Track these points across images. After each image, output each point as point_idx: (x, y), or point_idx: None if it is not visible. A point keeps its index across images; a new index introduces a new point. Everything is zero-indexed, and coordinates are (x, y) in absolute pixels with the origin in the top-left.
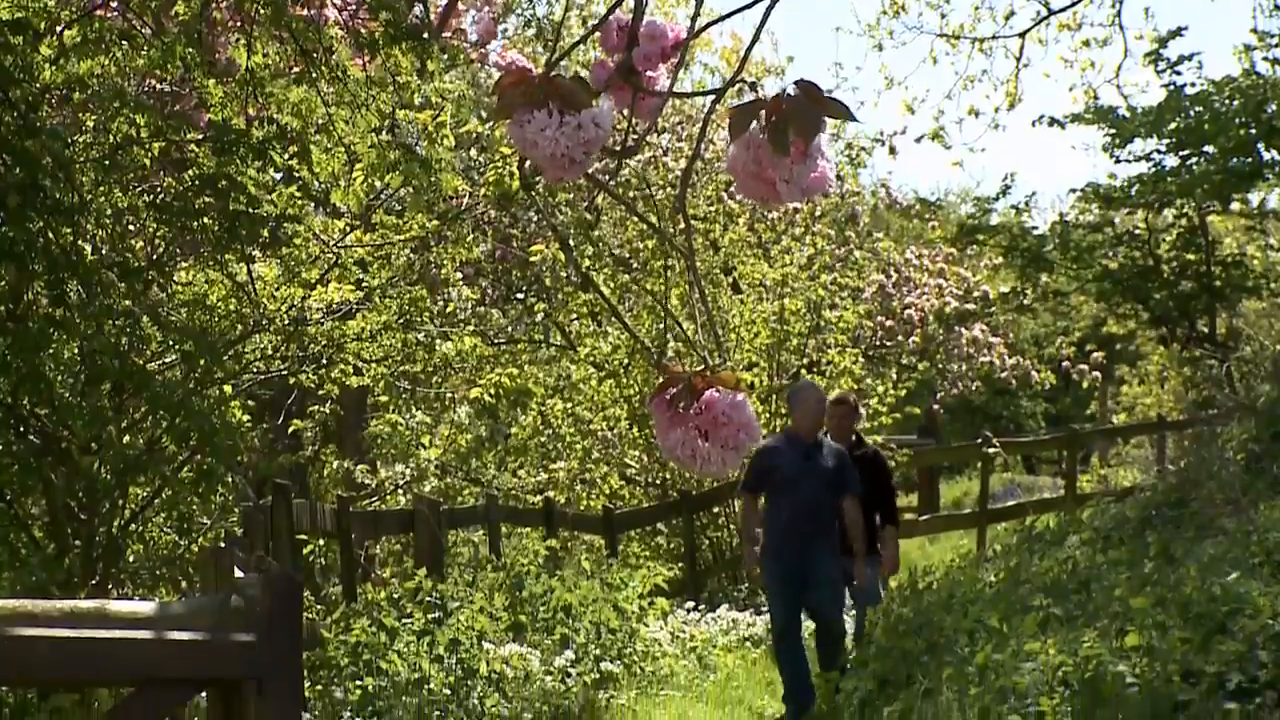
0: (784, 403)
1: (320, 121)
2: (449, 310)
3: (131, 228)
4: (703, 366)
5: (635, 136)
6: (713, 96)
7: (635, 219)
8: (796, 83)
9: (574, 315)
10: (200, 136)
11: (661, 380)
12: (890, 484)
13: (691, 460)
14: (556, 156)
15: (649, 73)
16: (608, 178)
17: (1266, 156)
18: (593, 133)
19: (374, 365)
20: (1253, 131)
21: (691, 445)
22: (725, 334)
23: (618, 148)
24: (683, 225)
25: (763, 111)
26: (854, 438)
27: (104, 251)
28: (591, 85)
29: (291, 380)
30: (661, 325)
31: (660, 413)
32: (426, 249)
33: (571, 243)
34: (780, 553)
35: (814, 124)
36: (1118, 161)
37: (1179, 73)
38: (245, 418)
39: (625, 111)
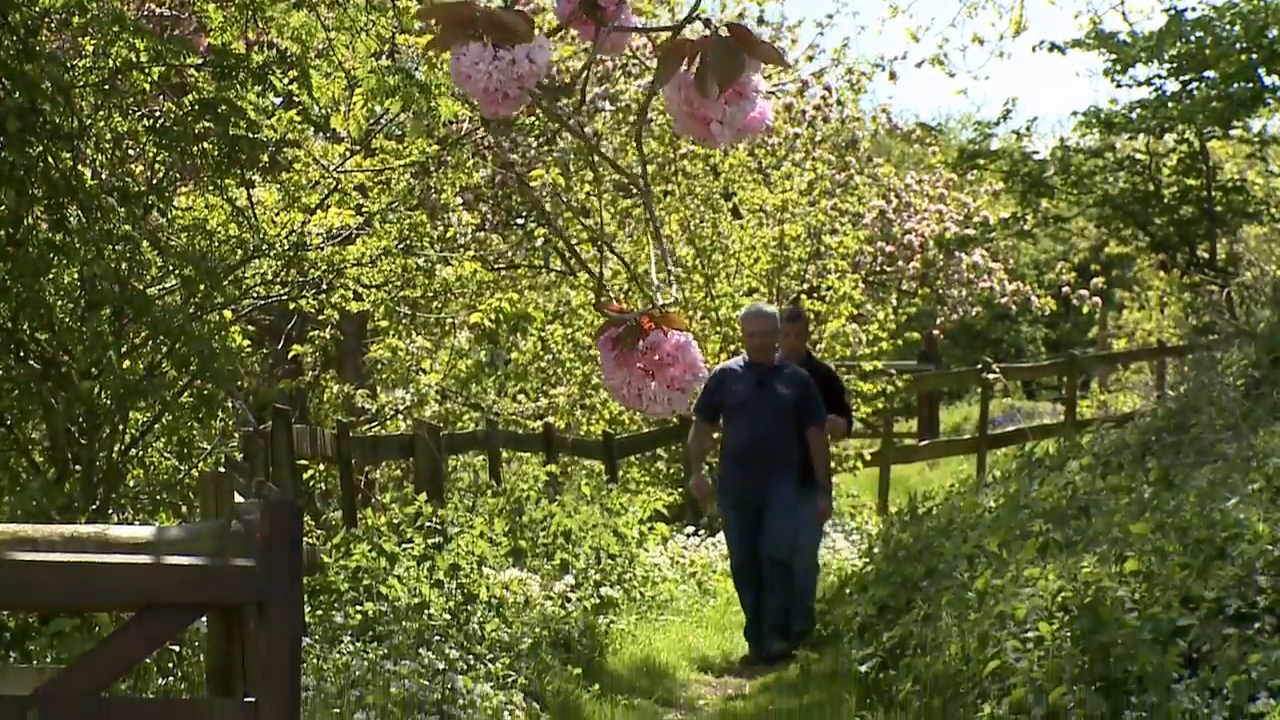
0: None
1: (320, 46)
2: (449, 235)
3: (131, 153)
4: (652, 305)
5: (599, 70)
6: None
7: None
8: (729, 24)
9: (575, 240)
10: (200, 61)
11: (606, 319)
12: (845, 400)
13: (637, 400)
14: (490, 91)
15: (611, 7)
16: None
17: (1268, 82)
18: (526, 68)
19: (374, 290)
20: (1254, 57)
21: (637, 385)
22: (725, 259)
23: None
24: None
25: (690, 53)
26: (805, 356)
27: (104, 176)
28: (557, 18)
29: (291, 305)
30: (659, 253)
31: (606, 352)
32: (426, 174)
33: (571, 168)
34: (733, 481)
35: (734, 68)
36: (1119, 86)
37: None
38: (245, 343)
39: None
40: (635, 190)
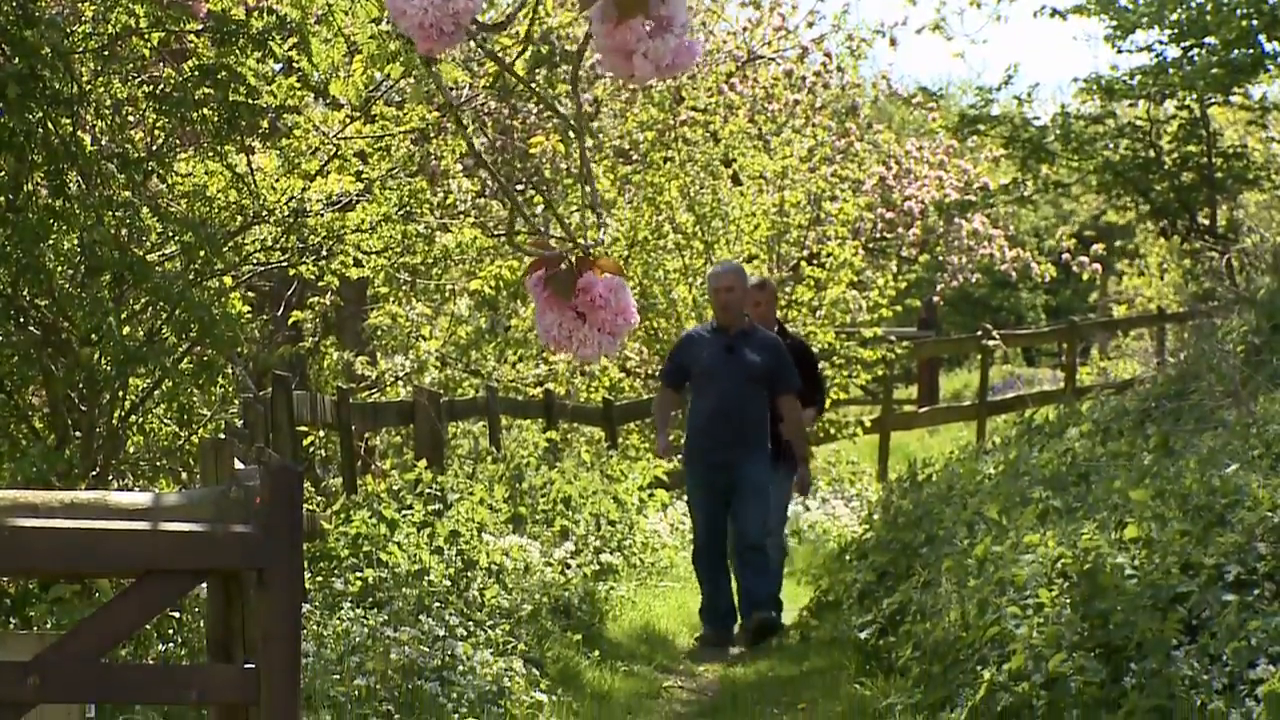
0: (782, 295)
1: (320, 12)
2: (449, 202)
3: (131, 118)
4: (577, 246)
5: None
6: None
7: (641, 109)
8: None
9: (574, 207)
10: (200, 27)
11: (538, 259)
12: (817, 374)
13: (567, 342)
14: (425, 26)
15: None
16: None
17: (1268, 48)
18: (463, 4)
19: (374, 257)
20: (1254, 23)
21: (569, 328)
22: (725, 226)
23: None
24: (694, 113)
25: None
26: (775, 327)
27: (104, 142)
28: None
29: (291, 272)
30: (660, 216)
31: (537, 293)
32: (426, 140)
33: (571, 134)
34: (699, 454)
35: (636, 5)
36: (1119, 52)
37: None
38: (245, 309)
39: None
40: (572, 127)
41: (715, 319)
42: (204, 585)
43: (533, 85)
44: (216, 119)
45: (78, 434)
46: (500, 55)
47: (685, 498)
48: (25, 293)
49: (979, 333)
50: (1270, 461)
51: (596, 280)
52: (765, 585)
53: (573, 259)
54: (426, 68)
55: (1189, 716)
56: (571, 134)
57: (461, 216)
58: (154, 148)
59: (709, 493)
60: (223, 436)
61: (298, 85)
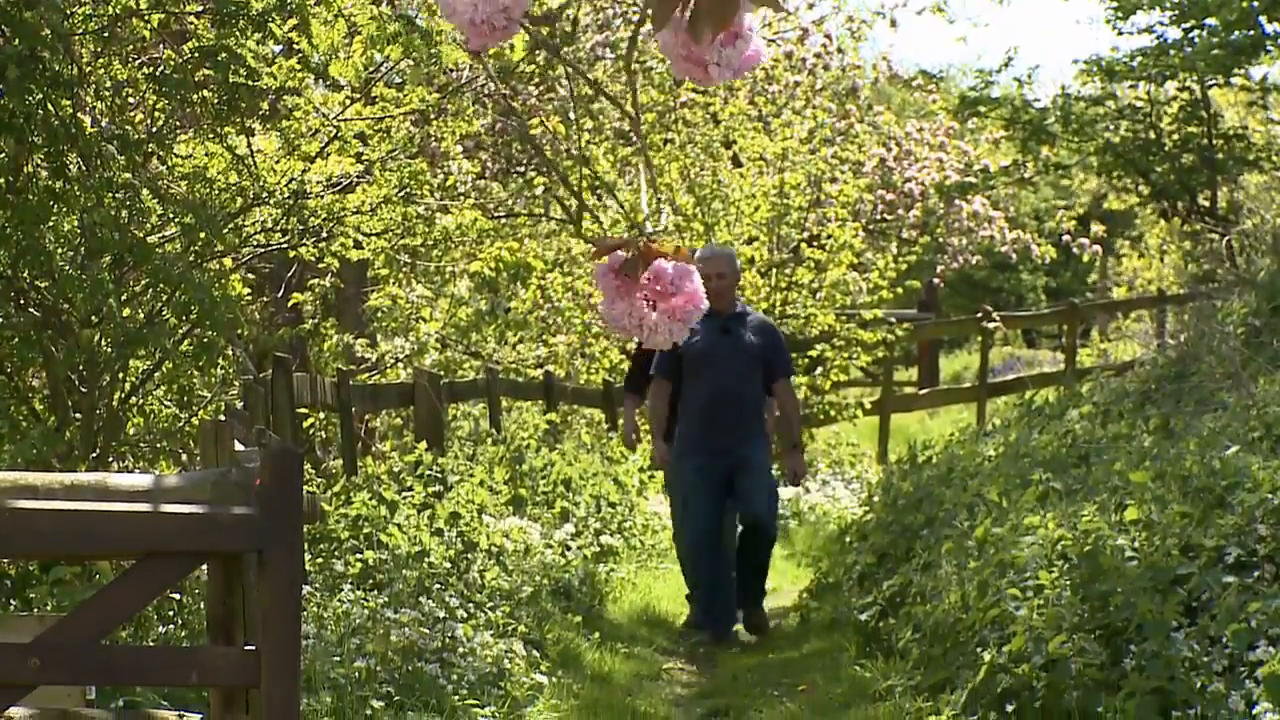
0: (782, 277)
1: None
2: (449, 184)
3: (131, 100)
4: (641, 234)
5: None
6: None
7: (642, 90)
8: None
9: (576, 188)
10: (200, 8)
11: (605, 248)
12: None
13: (638, 330)
14: (477, 23)
15: None
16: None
17: (1269, 29)
18: None
19: (374, 239)
20: (1255, 4)
21: (638, 315)
22: (725, 208)
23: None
24: (694, 95)
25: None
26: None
27: (104, 124)
28: None
29: (292, 254)
30: (660, 198)
31: (606, 282)
32: (426, 122)
33: (572, 116)
34: (698, 441)
35: (728, 12)
36: (1120, 34)
37: None
38: (245, 291)
39: None
40: (630, 129)
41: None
42: (204, 567)
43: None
44: (216, 101)
45: (78, 416)
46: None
47: (667, 488)
48: (25, 274)
49: (979, 315)
50: (1270, 443)
51: (667, 266)
52: (761, 584)
53: (639, 246)
54: (425, 49)
55: (1189, 698)
56: (629, 121)
57: (462, 198)
58: (154, 129)
59: (709, 481)
60: (223, 418)
61: (298, 67)
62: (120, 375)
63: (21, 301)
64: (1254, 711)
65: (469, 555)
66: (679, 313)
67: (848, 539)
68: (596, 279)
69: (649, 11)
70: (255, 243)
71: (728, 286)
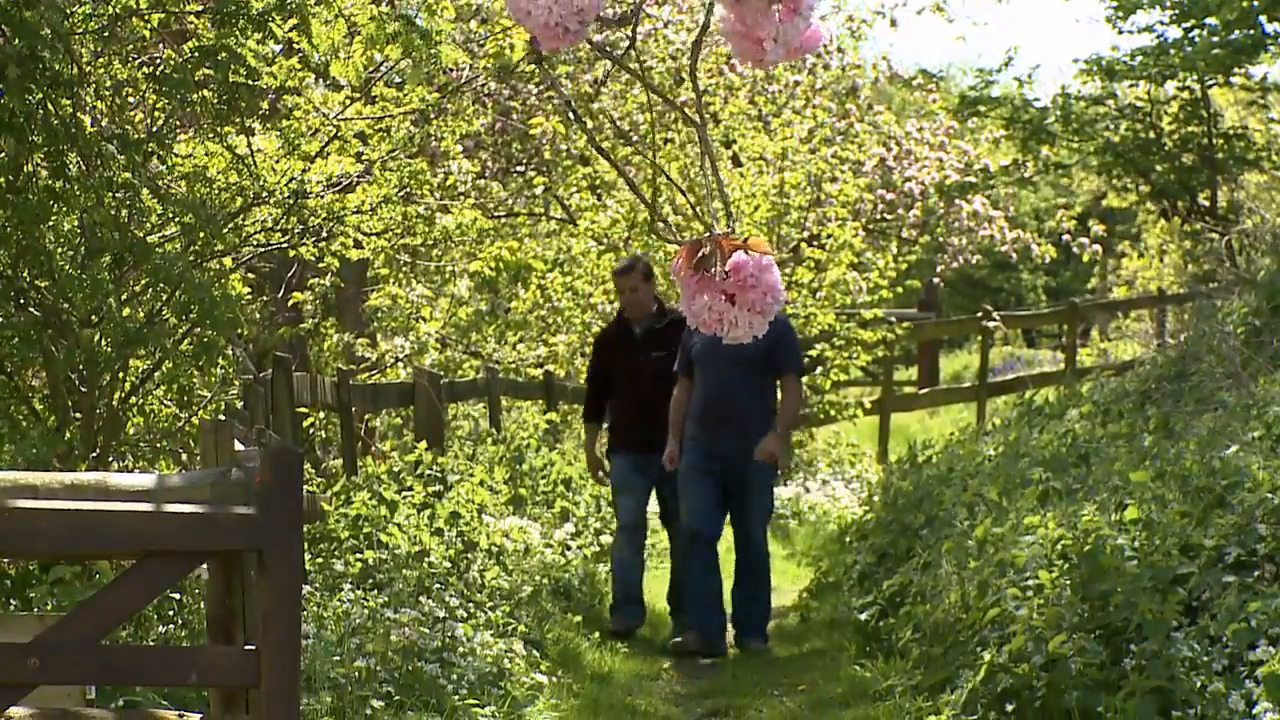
0: (782, 277)
1: None
2: (449, 183)
3: (131, 100)
4: (708, 234)
5: (632, 4)
6: None
7: (640, 90)
8: None
9: (574, 189)
10: (200, 8)
11: (687, 245)
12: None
13: (719, 325)
14: (550, 25)
15: None
16: (613, 49)
17: (1269, 29)
18: (586, 1)
19: (374, 238)
20: (1255, 3)
21: (719, 310)
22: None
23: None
24: (693, 95)
25: None
26: (655, 307)
27: (104, 124)
28: None
29: (292, 253)
30: (661, 197)
31: (686, 278)
32: (426, 122)
33: (570, 116)
34: (697, 443)
35: None
36: (1120, 33)
37: None
38: (245, 291)
39: None
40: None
41: None
42: (204, 567)
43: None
44: (216, 100)
45: (78, 416)
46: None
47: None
48: (25, 274)
49: (979, 314)
50: (1270, 443)
51: (747, 259)
52: (762, 612)
53: (717, 242)
54: (425, 49)
55: (1189, 698)
56: (690, 124)
57: (462, 198)
58: (154, 129)
59: (708, 483)
60: (223, 418)
61: (298, 66)
62: (120, 375)
63: (21, 301)
64: (1254, 711)
65: (469, 555)
66: (758, 305)
67: (848, 539)
68: (675, 276)
69: None
70: (255, 242)
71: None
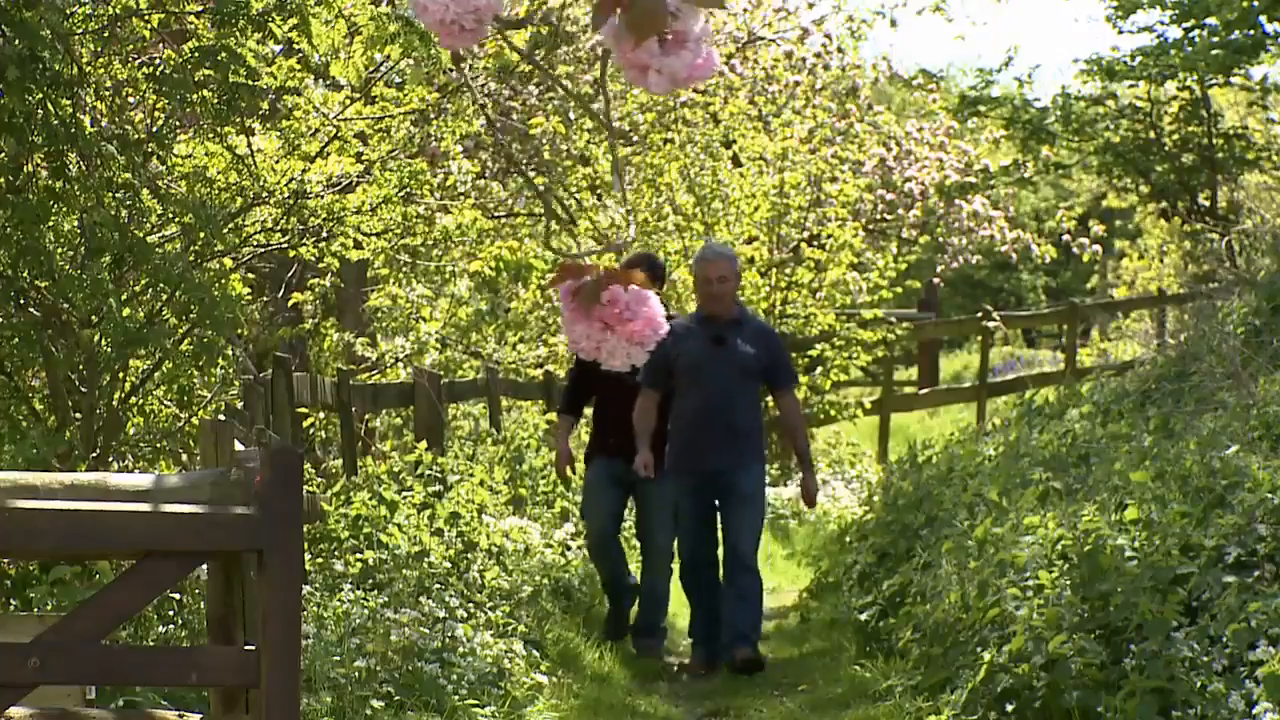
0: (782, 277)
1: None
2: (449, 183)
3: (131, 100)
4: (608, 244)
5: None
6: None
7: (641, 89)
8: None
9: (574, 189)
10: (200, 8)
11: (565, 270)
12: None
13: (597, 353)
14: (446, 23)
15: None
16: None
17: (1269, 29)
18: (484, 1)
19: (374, 238)
20: (1255, 3)
21: (596, 339)
22: (725, 207)
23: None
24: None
25: (621, 1)
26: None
27: (103, 124)
28: None
29: (292, 253)
30: (660, 199)
31: (566, 303)
32: (426, 122)
33: (572, 115)
34: (686, 461)
35: (652, 21)
36: (1120, 33)
37: None
38: (245, 291)
39: None
40: (605, 124)
41: (700, 307)
42: (204, 567)
43: (561, 81)
44: (216, 100)
45: (78, 416)
46: (526, 49)
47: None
48: (25, 274)
49: (979, 314)
50: (1270, 443)
51: (622, 292)
52: (749, 614)
53: (601, 271)
54: (425, 49)
55: (1189, 698)
56: (601, 126)
57: (462, 198)
58: (154, 129)
59: (698, 502)
60: (223, 418)
61: (298, 67)
62: (120, 375)
63: (22, 301)
64: (1254, 711)
65: (469, 555)
66: (637, 336)
67: (848, 539)
68: (560, 300)
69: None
70: (255, 242)
71: (728, 291)
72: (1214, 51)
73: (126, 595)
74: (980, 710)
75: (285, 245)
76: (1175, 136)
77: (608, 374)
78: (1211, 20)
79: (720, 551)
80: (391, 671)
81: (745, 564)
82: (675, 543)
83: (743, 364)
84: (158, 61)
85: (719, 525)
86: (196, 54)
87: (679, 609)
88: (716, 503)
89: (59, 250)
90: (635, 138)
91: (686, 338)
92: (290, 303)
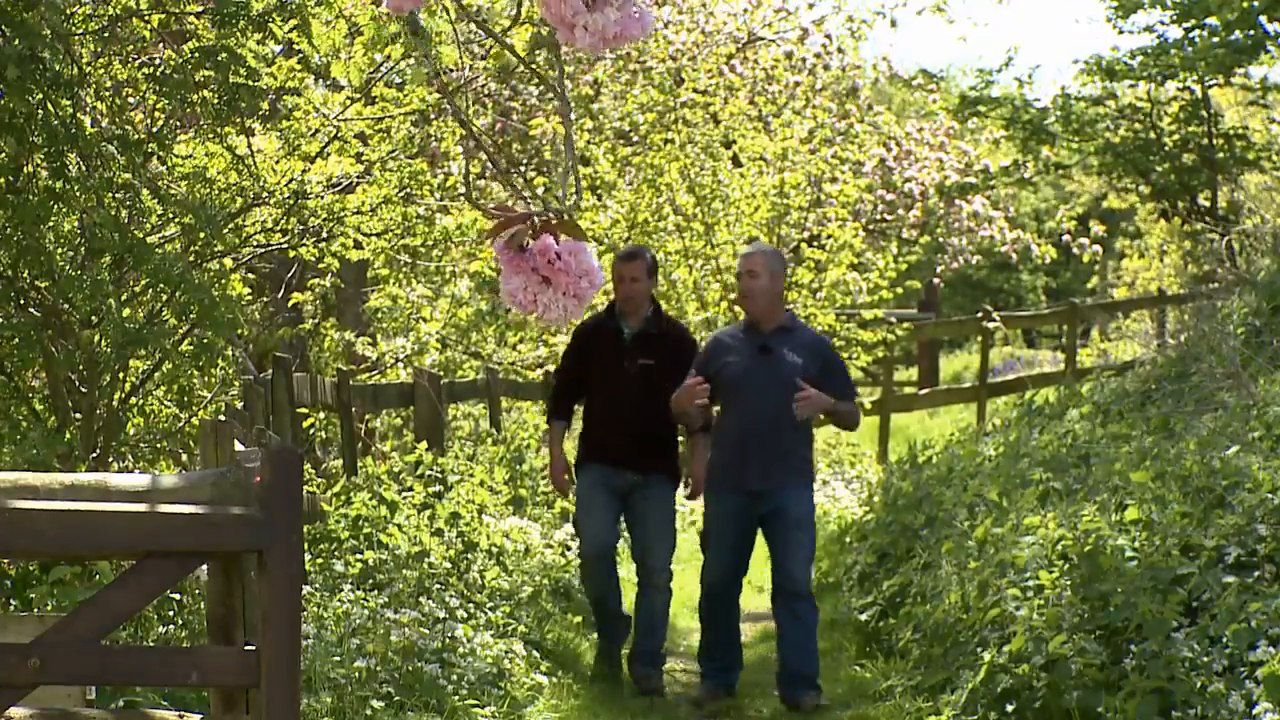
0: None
1: None
2: (449, 184)
3: (131, 100)
4: (547, 211)
5: None
6: None
7: (640, 90)
8: None
9: (573, 188)
10: (200, 8)
11: (501, 221)
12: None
13: (533, 305)
14: None
15: None
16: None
17: (1269, 29)
18: None
19: (374, 239)
20: (1255, 4)
21: (534, 291)
22: (725, 207)
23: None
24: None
25: None
26: (651, 310)
27: (104, 124)
28: None
29: (292, 254)
30: (660, 198)
31: (502, 256)
32: (426, 122)
33: (572, 116)
34: (729, 480)
35: None
36: (1120, 33)
37: None
38: (245, 291)
39: None
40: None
41: (744, 315)
42: (204, 567)
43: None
44: (217, 101)
45: (78, 416)
46: (503, 36)
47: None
48: (25, 275)
49: (979, 314)
50: (1270, 443)
51: (554, 243)
52: (810, 656)
53: (535, 222)
54: (426, 49)
55: (1189, 698)
56: (557, 98)
57: (462, 198)
58: (154, 130)
59: (736, 527)
60: (223, 418)
61: (298, 67)
62: (120, 375)
63: (22, 302)
64: (1254, 711)
65: (469, 555)
66: (573, 289)
67: (848, 539)
68: (495, 253)
69: None
70: (255, 243)
71: (761, 291)
72: (1214, 51)
73: (126, 595)
74: (980, 710)
75: (285, 245)
76: (1175, 137)
77: (604, 366)
78: (1212, 20)
79: (771, 577)
80: (391, 672)
81: (799, 590)
82: (701, 567)
83: (791, 376)
84: (158, 62)
85: (769, 551)
86: (197, 54)
87: (676, 632)
88: (759, 528)
89: (59, 251)
90: (635, 137)
91: (731, 349)
92: (290, 303)
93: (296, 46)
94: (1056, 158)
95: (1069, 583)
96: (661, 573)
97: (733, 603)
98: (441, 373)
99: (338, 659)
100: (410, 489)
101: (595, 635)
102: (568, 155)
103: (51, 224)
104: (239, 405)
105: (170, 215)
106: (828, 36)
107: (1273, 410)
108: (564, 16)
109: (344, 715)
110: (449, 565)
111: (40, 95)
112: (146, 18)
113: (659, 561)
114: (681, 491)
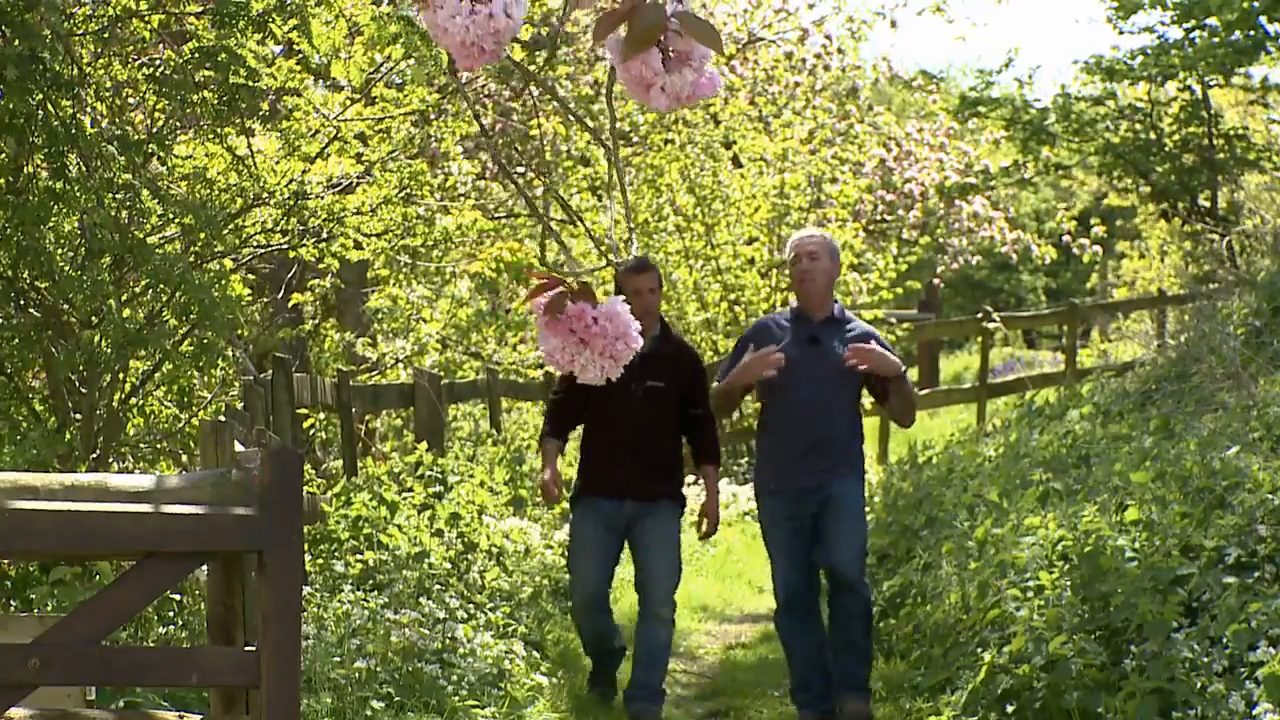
0: (784, 277)
1: None
2: (449, 184)
3: (131, 101)
4: (605, 263)
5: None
6: None
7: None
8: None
9: (574, 190)
10: (200, 9)
11: (538, 285)
12: (708, 399)
13: (571, 366)
14: (466, 44)
15: None
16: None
17: (1270, 29)
18: (503, 22)
19: (374, 239)
20: (1255, 4)
21: (570, 352)
22: (726, 208)
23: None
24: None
25: (624, 18)
26: (659, 327)
27: (104, 125)
28: None
29: (292, 254)
30: (661, 199)
31: (541, 319)
32: (426, 123)
33: (571, 118)
34: (780, 479)
35: (647, 37)
36: (1120, 34)
37: None
38: (245, 292)
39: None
40: (603, 143)
41: (794, 301)
42: (204, 568)
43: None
44: (217, 101)
45: (78, 417)
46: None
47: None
48: (25, 275)
49: (979, 315)
50: (1271, 444)
51: (588, 308)
52: (858, 646)
53: (573, 286)
54: (427, 49)
55: (1189, 698)
56: (605, 147)
57: (462, 199)
58: (154, 130)
59: (793, 529)
60: (223, 419)
61: (298, 67)
62: (120, 376)
63: (22, 302)
64: (1254, 712)
65: (469, 556)
66: (610, 350)
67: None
68: (535, 314)
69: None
70: (255, 243)
71: (823, 271)
72: (1214, 52)
73: (126, 595)
74: (980, 711)
75: (285, 246)
76: (1175, 137)
77: (609, 388)
78: (1212, 21)
79: (822, 573)
80: (392, 672)
81: (847, 579)
82: (773, 586)
83: (840, 367)
84: (158, 62)
85: (819, 542)
86: (196, 55)
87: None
88: (813, 525)
89: (59, 251)
90: (635, 138)
91: (777, 336)
92: (290, 303)
93: (296, 46)
94: (1056, 158)
95: (1069, 583)
96: (665, 605)
97: (813, 615)
98: (441, 373)
99: (338, 659)
100: (410, 489)
101: (588, 660)
102: (624, 203)
103: (51, 224)
104: (239, 406)
105: (170, 216)
106: (828, 37)
107: (1273, 411)
108: (643, 77)
109: (344, 716)
110: (449, 566)
111: (40, 96)
112: (146, 18)
113: (663, 594)
114: (691, 521)
